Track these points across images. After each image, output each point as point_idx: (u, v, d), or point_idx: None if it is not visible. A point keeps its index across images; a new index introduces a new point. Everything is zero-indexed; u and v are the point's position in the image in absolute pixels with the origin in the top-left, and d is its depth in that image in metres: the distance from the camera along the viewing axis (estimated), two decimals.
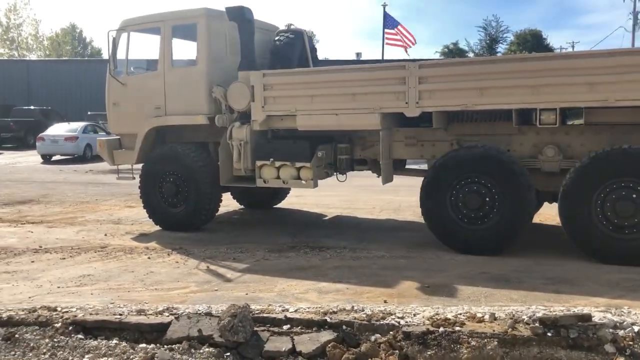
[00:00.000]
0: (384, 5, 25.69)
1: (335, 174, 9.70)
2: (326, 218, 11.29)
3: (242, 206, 12.41)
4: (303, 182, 9.12)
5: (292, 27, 10.96)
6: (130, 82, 10.35)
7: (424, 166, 9.53)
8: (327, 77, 8.76)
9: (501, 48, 61.41)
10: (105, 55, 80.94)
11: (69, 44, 79.05)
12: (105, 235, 9.76)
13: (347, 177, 9.73)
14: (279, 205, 12.50)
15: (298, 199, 12.90)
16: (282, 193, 12.26)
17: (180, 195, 9.88)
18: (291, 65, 10.35)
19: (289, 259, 7.99)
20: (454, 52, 57.44)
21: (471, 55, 57.71)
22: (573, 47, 67.41)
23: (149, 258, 8.16)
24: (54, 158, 26.37)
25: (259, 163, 9.36)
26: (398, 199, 13.41)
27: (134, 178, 10.83)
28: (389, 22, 25.80)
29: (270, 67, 10.08)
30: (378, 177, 9.58)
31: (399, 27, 25.82)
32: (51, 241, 9.29)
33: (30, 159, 26.52)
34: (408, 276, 6.98)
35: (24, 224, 10.85)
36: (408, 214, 11.47)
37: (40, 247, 8.89)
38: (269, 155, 9.22)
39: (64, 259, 8.17)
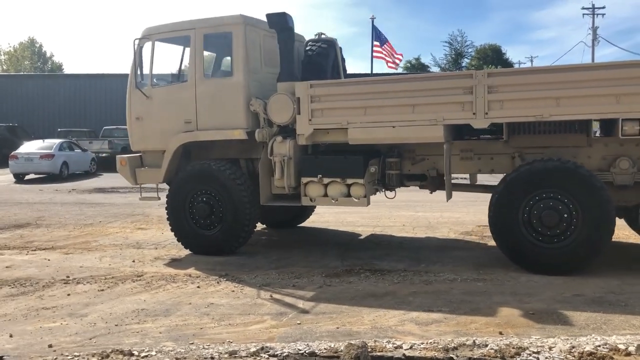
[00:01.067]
0: (372, 19, 25.37)
1: (382, 190, 9.07)
2: (362, 237, 10.65)
3: (264, 225, 11.66)
4: (355, 199, 8.48)
5: (322, 36, 10.36)
6: (155, 95, 9.57)
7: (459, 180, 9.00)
8: (383, 88, 8.18)
9: (466, 62, 62.34)
10: (68, 69, 78.46)
11: (28, 59, 76.55)
12: (134, 261, 8.91)
13: (396, 194, 9.10)
14: (301, 225, 11.82)
15: (318, 217, 12.26)
16: (307, 211, 11.59)
17: (214, 216, 9.10)
18: (325, 76, 9.75)
19: (353, 285, 7.33)
20: (416, 67, 57.81)
21: (437, 69, 58.22)
22: (532, 61, 68.97)
23: (198, 287, 7.38)
24: (27, 177, 25.00)
25: (304, 180, 8.68)
26: (420, 214, 12.95)
27: (159, 198, 10.00)
28: (377, 36, 25.48)
29: (303, 78, 9.45)
30: (431, 193, 9.05)
31: (388, 44, 25.60)
32: (76, 270, 8.40)
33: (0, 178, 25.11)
34: (500, 302, 6.42)
35: (35, 250, 9.89)
36: (445, 231, 10.96)
37: (68, 277, 8.00)
38: (316, 172, 8.55)
39: (102, 290, 7.32)
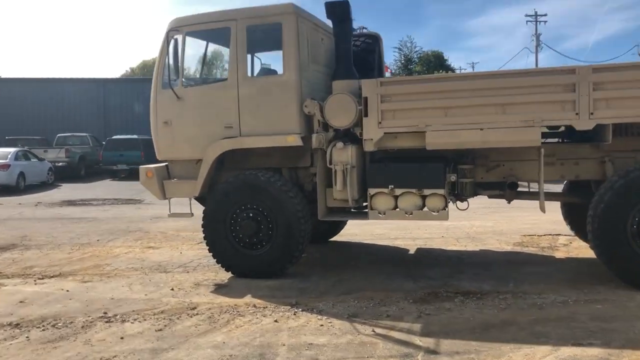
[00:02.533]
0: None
1: (454, 201, 8.10)
2: (412, 252, 9.66)
3: None
4: (433, 213, 7.48)
5: (364, 30, 9.35)
6: (188, 96, 8.31)
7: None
8: (469, 85, 7.23)
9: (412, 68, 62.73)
10: (9, 73, 73.58)
11: None
12: (173, 289, 7.63)
13: (468, 205, 8.15)
14: (331, 239, 10.76)
15: (343, 230, 11.18)
16: (341, 225, 10.53)
17: (262, 234, 7.92)
18: (372, 74, 8.74)
19: (455, 313, 6.35)
20: None
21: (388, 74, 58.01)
22: (473, 67, 69.91)
23: (275, 322, 6.22)
24: None
25: (372, 191, 7.63)
26: (448, 224, 11.99)
27: (191, 214, 8.70)
28: None
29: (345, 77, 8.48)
30: (509, 202, 8.16)
31: None
32: (109, 303, 7.07)
33: None
34: None
35: (42, 278, 8.44)
36: (493, 242, 10.15)
37: (105, 313, 6.68)
38: (387, 182, 7.52)
39: (160, 330, 6.06)
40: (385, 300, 6.86)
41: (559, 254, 9.11)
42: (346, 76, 7.93)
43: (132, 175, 28.65)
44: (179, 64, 8.07)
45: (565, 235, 10.35)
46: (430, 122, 7.29)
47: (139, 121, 35.50)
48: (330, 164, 7.77)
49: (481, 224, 12.01)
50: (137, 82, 41.50)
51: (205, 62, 9.29)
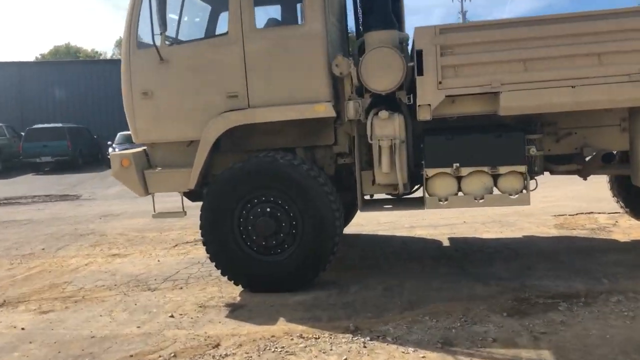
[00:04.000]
0: None
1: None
2: (447, 245, 8.04)
3: None
4: (511, 196, 5.85)
5: None
6: (175, 57, 6.28)
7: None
8: (555, 30, 5.61)
9: None
10: None
11: None
12: (172, 316, 5.66)
13: (537, 184, 6.56)
14: None
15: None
16: (352, 213, 8.76)
17: (283, 234, 6.07)
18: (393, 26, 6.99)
19: (576, 329, 4.80)
20: None
21: None
22: None
23: None
24: None
25: (430, 172, 5.92)
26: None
27: (184, 213, 6.68)
28: None
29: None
30: (585, 179, 6.67)
31: None
32: (89, 344, 5.10)
33: None
34: None
35: None
36: (530, 226, 8.73)
37: None
38: (451, 159, 5.83)
39: None
40: (469, 314, 5.20)
41: (618, 236, 7.77)
42: (384, 25, 6.14)
43: (58, 167, 25.80)
44: (163, 11, 5.98)
45: (599, 213, 9.13)
46: (505, 80, 5.65)
47: (62, 108, 32.28)
48: (372, 139, 5.98)
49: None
50: (59, 65, 37.74)
51: (194, 11, 7.21)
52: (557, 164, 6.46)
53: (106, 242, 9.51)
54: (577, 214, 9.36)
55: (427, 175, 5.92)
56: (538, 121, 6.25)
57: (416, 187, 6.51)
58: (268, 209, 6.08)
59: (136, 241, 9.46)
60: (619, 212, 8.69)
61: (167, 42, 6.33)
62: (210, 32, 7.06)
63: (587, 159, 6.51)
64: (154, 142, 6.54)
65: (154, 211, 6.76)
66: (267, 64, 6.07)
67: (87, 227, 11.05)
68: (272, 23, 6.61)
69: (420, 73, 5.76)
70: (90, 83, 33.21)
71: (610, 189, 8.20)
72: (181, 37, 6.71)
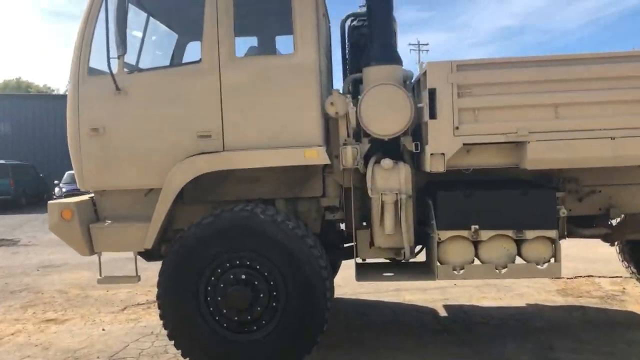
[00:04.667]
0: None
1: None
2: (443, 314, 6.99)
3: None
4: (540, 266, 4.89)
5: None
6: (135, 87, 5.17)
7: None
8: (593, 72, 4.77)
9: None
10: None
11: None
12: None
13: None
14: None
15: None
16: (335, 271, 7.63)
17: (260, 307, 4.92)
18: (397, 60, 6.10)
19: None
20: None
21: None
22: None
23: None
24: None
25: (443, 234, 4.91)
26: None
27: (138, 278, 5.44)
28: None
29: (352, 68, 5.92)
30: (612, 245, 5.80)
31: None
32: None
33: None
34: None
35: None
36: (526, 289, 7.80)
37: None
38: (470, 220, 4.85)
39: None
40: None
41: (634, 307, 6.89)
42: (387, 59, 5.21)
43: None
44: (123, 30, 4.88)
45: (599, 276, 8.38)
46: (534, 128, 4.75)
47: (5, 144, 30.33)
48: (372, 192, 4.96)
49: None
50: (2, 98, 35.80)
51: (159, 37, 6.14)
52: (581, 227, 5.54)
53: (41, 303, 8.10)
54: (575, 277, 8.50)
55: (439, 239, 4.90)
56: (559, 177, 5.37)
57: (417, 249, 5.48)
58: (243, 276, 4.95)
59: (78, 301, 8.09)
60: (621, 277, 7.89)
61: (125, 70, 5.21)
62: (176, 62, 6.00)
63: (613, 221, 5.63)
64: (104, 190, 5.33)
65: (100, 274, 5.48)
66: (247, 99, 5.03)
67: (20, 282, 9.57)
68: (254, 52, 5.60)
69: (433, 116, 4.80)
70: (39, 118, 31.43)
71: (620, 252, 7.38)
72: (142, 65, 5.60)
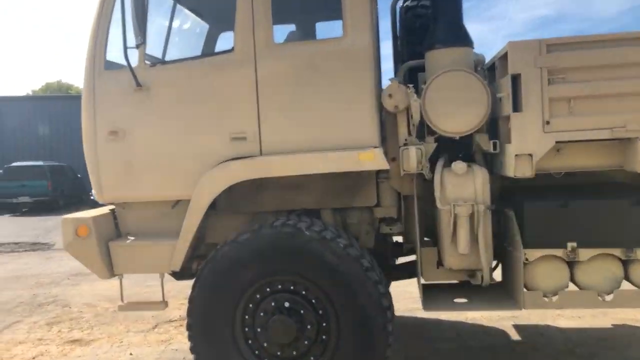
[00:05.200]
0: None
1: None
2: (515, 337, 6.05)
3: None
4: None
5: None
6: (157, 82, 4.39)
7: None
8: None
9: None
10: None
11: None
12: None
13: None
14: None
15: None
16: None
17: (307, 341, 4.10)
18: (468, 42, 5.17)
19: None
20: None
21: None
22: None
23: None
24: None
25: (531, 254, 4.00)
26: None
27: (166, 305, 4.69)
28: None
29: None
30: None
31: None
32: None
33: None
34: None
35: None
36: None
37: None
38: (565, 236, 3.93)
39: None
40: None
41: None
42: (454, 40, 4.31)
43: (37, 209, 23.80)
44: (143, 16, 4.12)
45: None
46: None
47: (43, 145, 30.32)
48: (441, 203, 4.08)
49: None
50: (41, 100, 35.88)
51: (187, 28, 5.40)
52: None
53: (68, 319, 7.47)
54: None
55: (525, 259, 3.99)
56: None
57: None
58: (286, 304, 4.14)
59: (106, 318, 7.43)
60: None
61: (147, 62, 4.44)
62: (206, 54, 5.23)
63: None
64: (125, 202, 4.59)
65: (122, 300, 4.75)
66: (288, 93, 4.22)
67: (49, 293, 9.00)
68: (295, 37, 4.77)
69: (517, 108, 3.90)
70: (77, 119, 31.16)
71: None
72: (167, 57, 4.84)
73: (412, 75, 4.74)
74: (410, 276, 5.10)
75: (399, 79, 4.20)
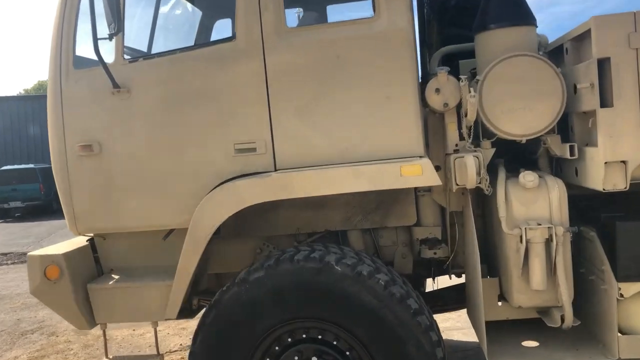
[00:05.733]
0: None
1: None
2: None
3: None
4: None
5: None
6: (140, 81, 3.47)
7: None
8: None
9: None
10: None
11: None
12: None
13: None
14: None
15: None
16: None
17: None
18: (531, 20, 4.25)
19: None
20: None
21: None
22: None
23: None
24: None
25: (627, 289, 3.11)
26: None
27: (162, 358, 3.77)
28: None
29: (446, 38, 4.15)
30: None
31: None
32: None
33: None
34: None
35: None
36: None
37: None
38: None
39: None
40: None
41: None
42: (514, 18, 3.40)
43: (30, 213, 22.94)
44: (117, 5, 3.19)
45: None
46: None
47: (34, 146, 29.30)
48: (510, 226, 3.18)
49: None
50: (31, 99, 34.79)
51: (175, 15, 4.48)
52: None
53: (53, 351, 6.59)
54: None
55: (619, 295, 3.10)
56: None
57: None
58: (314, 358, 3.23)
59: (96, 348, 6.55)
60: None
61: (126, 57, 3.52)
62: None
63: None
64: (106, 233, 3.68)
65: (106, 355, 3.83)
66: (307, 90, 3.29)
67: (34, 318, 8.11)
68: (311, 20, 3.85)
69: (606, 102, 2.99)
70: None
71: None
72: (151, 51, 3.93)
73: (449, 64, 3.83)
74: (457, 306, 4.24)
75: (446, 69, 3.28)
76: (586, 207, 3.48)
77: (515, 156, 3.62)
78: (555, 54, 3.64)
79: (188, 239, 3.34)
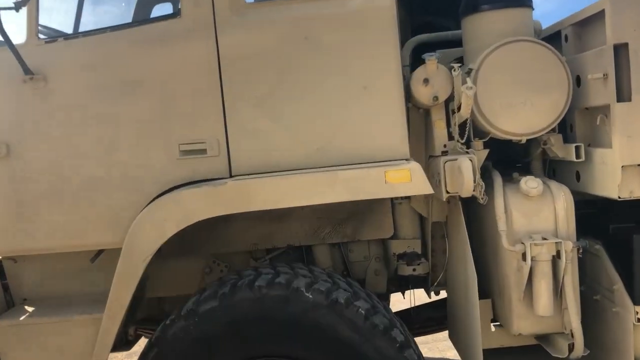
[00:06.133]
0: None
1: None
2: None
3: None
4: None
5: None
6: (60, 66, 2.78)
7: None
8: None
9: None
10: None
11: None
12: None
13: None
14: None
15: None
16: None
17: None
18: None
19: None
20: None
21: None
22: None
23: None
24: None
25: None
26: None
27: None
28: None
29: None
30: None
31: None
32: None
33: None
34: None
35: None
36: None
37: None
38: None
39: None
40: None
41: None
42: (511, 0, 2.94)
43: None
44: None
45: None
46: None
47: None
48: (511, 241, 2.70)
49: None
50: None
51: None
52: None
53: None
54: None
55: (637, 320, 2.67)
56: None
57: None
58: None
59: None
60: None
61: (41, 37, 2.83)
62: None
63: None
64: (16, 255, 2.97)
65: None
66: (270, 78, 2.70)
67: None
68: None
69: (622, 96, 2.55)
70: None
71: None
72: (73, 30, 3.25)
73: (419, 54, 3.31)
74: (437, 328, 3.76)
75: (436, 55, 2.76)
76: (586, 216, 3.04)
77: (501, 159, 3.16)
78: (549, 41, 3.18)
79: (122, 262, 2.69)
